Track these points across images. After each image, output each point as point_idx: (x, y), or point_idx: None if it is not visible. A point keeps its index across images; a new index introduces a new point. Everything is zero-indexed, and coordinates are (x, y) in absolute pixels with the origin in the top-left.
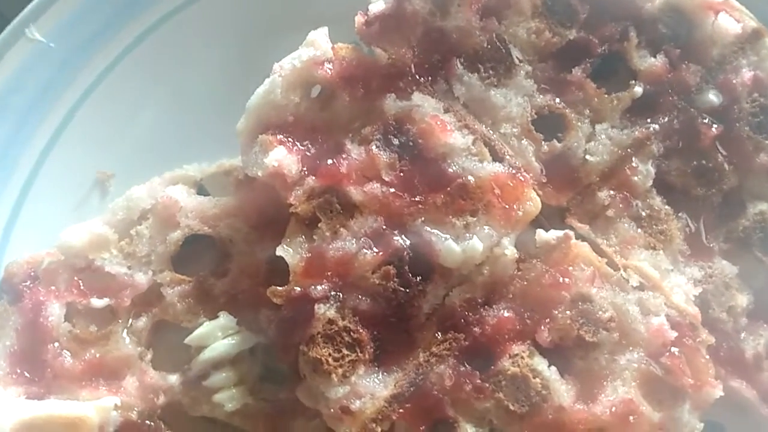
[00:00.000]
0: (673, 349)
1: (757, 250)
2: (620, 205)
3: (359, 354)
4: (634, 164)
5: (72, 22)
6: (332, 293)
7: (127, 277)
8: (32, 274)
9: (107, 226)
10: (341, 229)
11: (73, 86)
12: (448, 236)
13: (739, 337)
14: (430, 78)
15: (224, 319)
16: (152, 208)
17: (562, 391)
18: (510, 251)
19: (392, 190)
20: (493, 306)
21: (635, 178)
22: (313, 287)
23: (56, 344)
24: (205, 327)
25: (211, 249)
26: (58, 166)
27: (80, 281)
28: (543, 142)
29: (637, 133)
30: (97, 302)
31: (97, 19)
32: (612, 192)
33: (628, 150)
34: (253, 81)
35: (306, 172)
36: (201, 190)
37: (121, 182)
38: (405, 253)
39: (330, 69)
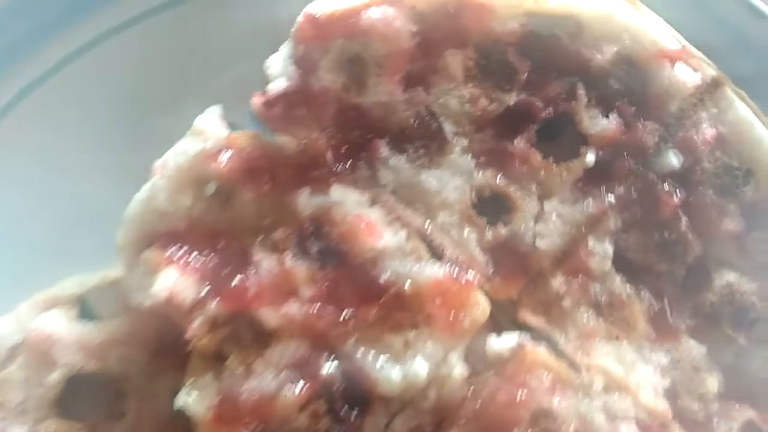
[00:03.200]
0: None
1: (725, 326)
2: (577, 293)
3: None
4: (589, 246)
5: None
6: None
7: None
8: None
9: None
10: (255, 363)
11: None
12: (385, 359)
13: (712, 423)
14: (350, 164)
15: None
16: (22, 344)
17: None
18: (458, 371)
19: (314, 308)
20: None
21: (592, 262)
22: None
23: None
24: None
25: (102, 386)
26: None
27: None
28: (487, 228)
29: (591, 207)
30: None
31: None
32: (566, 278)
33: (582, 229)
34: (138, 166)
35: (206, 294)
36: (85, 308)
37: None
38: (336, 384)
39: (226, 162)
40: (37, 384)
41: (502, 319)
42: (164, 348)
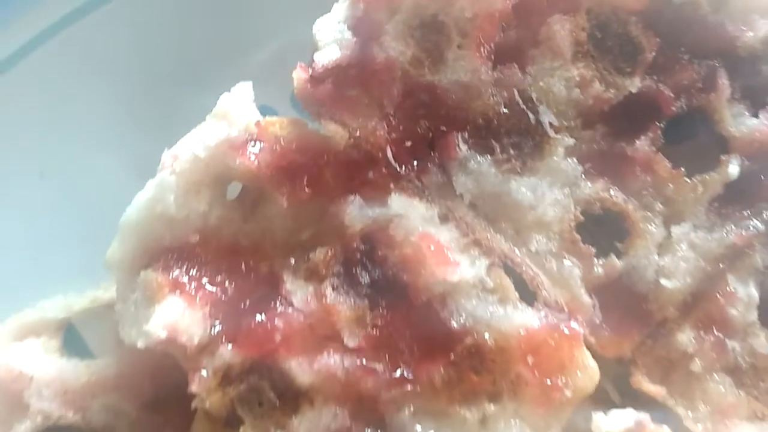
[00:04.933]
0: None
1: None
2: (711, 354)
3: None
4: (730, 288)
5: None
6: None
7: None
8: None
9: None
10: None
11: None
12: None
13: None
14: (416, 166)
15: None
16: None
17: None
18: None
19: (361, 361)
20: None
21: (732, 311)
22: None
23: None
24: None
25: None
26: None
27: None
28: (595, 260)
29: (732, 236)
30: None
31: None
32: (698, 333)
33: (720, 264)
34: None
35: (219, 334)
36: (70, 337)
37: None
38: None
39: (255, 156)
40: None
41: (606, 379)
42: (162, 399)
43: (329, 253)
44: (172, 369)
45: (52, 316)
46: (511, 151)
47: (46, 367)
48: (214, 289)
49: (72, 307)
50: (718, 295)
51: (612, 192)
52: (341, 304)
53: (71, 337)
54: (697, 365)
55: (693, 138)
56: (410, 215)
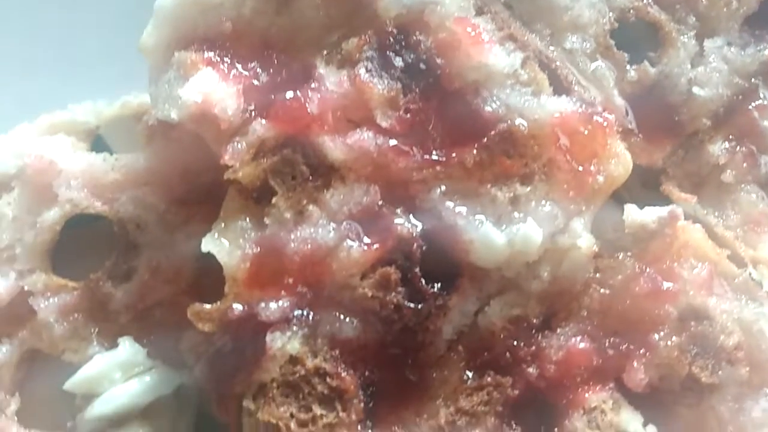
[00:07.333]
0: None
1: None
2: (743, 165)
3: (341, 413)
4: (762, 101)
5: None
6: (296, 314)
7: None
8: None
9: None
10: (310, 206)
11: None
12: (484, 218)
13: None
14: None
15: (127, 348)
16: (18, 173)
17: None
18: (586, 242)
19: (393, 141)
20: (558, 330)
21: (765, 122)
22: (263, 304)
23: None
24: (97, 364)
25: (107, 237)
26: None
27: None
28: (628, 66)
29: (766, 53)
30: None
31: None
32: (729, 144)
33: (753, 79)
34: None
35: (252, 112)
36: (97, 143)
37: None
38: (414, 245)
39: None
40: (30, 225)
41: (633, 194)
42: (191, 194)
43: (362, 40)
44: (202, 170)
45: (82, 120)
46: None
47: (76, 160)
48: (247, 73)
49: (101, 113)
50: (750, 107)
51: (645, 1)
52: (374, 85)
53: (99, 145)
54: (728, 176)
55: None
56: (446, 2)
